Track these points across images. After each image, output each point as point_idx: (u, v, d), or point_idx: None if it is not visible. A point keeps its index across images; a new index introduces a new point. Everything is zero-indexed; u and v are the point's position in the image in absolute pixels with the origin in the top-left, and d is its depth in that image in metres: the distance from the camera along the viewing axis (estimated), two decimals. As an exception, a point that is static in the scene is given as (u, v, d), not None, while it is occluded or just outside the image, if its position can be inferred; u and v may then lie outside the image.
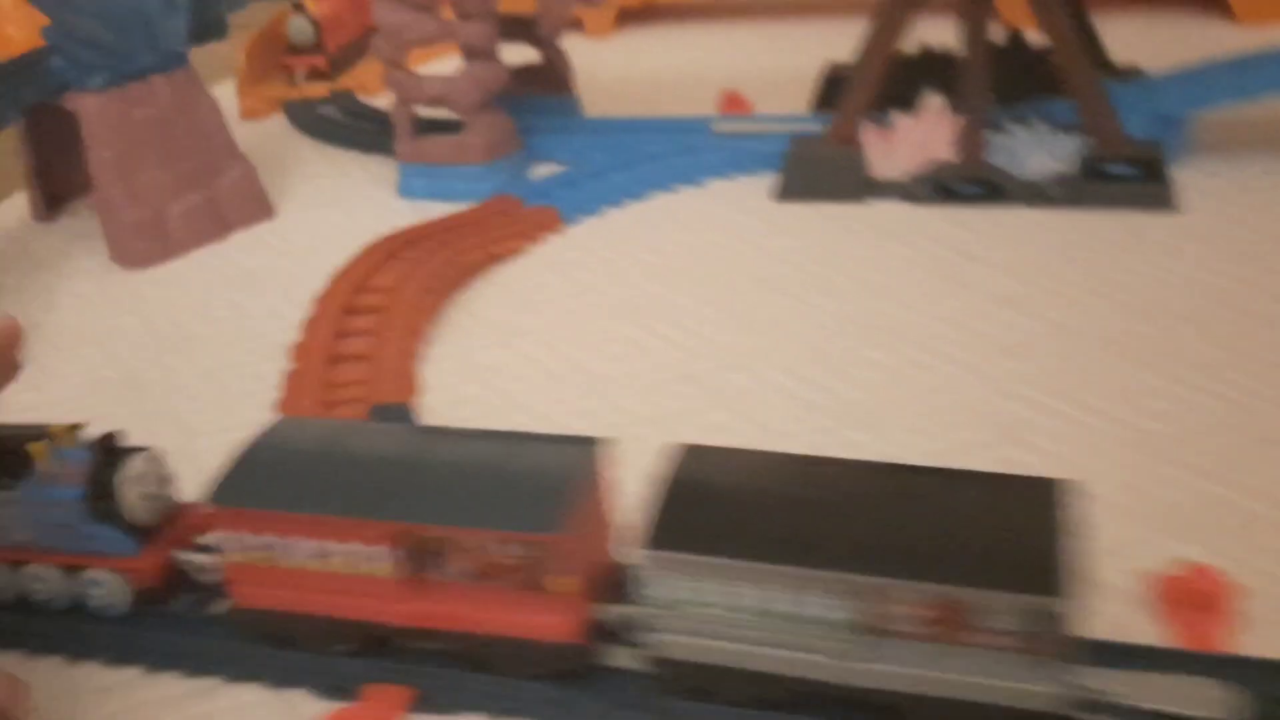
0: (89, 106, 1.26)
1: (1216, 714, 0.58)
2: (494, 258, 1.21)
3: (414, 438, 0.69)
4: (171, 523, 0.73)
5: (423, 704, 0.66)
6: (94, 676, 0.72)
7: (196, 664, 0.71)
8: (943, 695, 0.58)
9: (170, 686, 0.71)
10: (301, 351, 1.02)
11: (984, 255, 1.15)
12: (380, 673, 0.67)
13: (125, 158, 1.29)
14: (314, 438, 0.70)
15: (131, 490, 0.70)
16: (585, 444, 0.65)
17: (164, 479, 0.73)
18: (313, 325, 1.06)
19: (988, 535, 0.57)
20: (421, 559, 0.65)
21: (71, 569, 0.72)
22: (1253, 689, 0.59)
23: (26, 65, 1.30)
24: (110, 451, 0.71)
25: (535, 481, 0.63)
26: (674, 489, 0.61)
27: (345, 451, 0.68)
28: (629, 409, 0.95)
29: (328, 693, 0.68)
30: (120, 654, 0.72)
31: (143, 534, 0.71)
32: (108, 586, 0.71)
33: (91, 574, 0.71)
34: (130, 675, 0.72)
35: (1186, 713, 0.58)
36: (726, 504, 0.61)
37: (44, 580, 0.72)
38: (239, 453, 0.68)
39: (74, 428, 0.72)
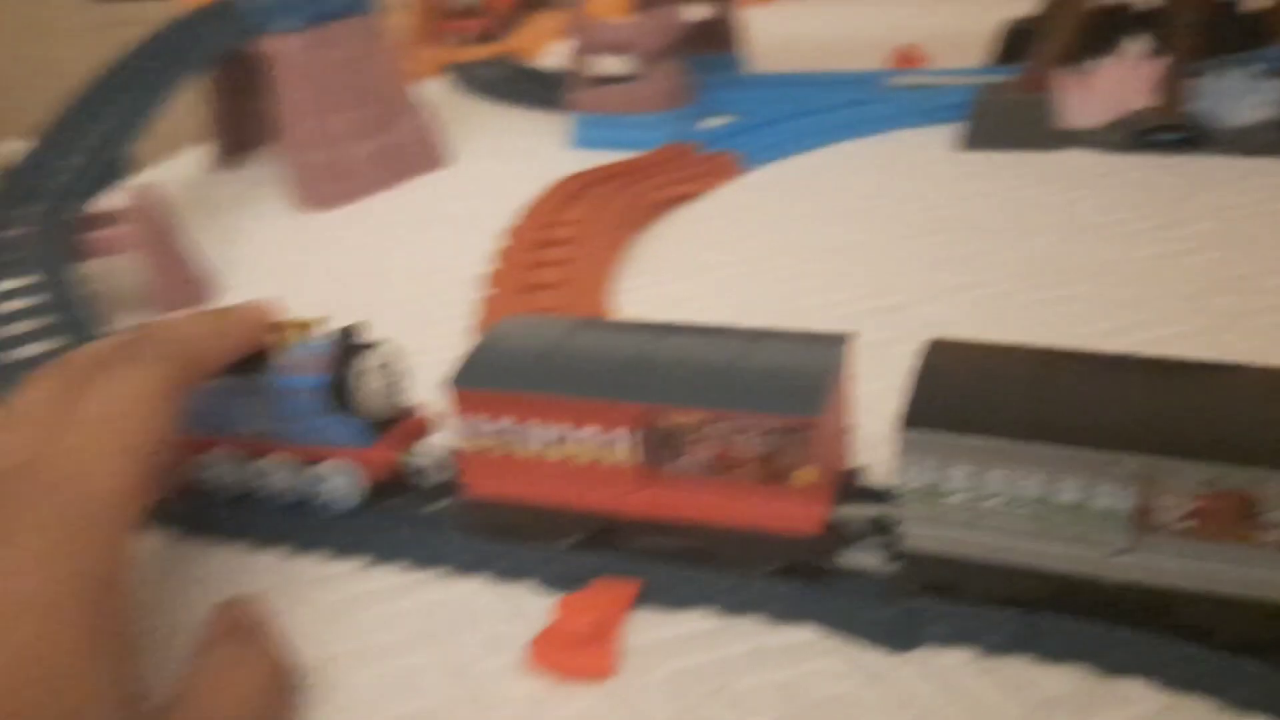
0: (288, 47, 1.29)
1: None
2: (679, 198, 1.20)
3: (655, 330, 0.68)
4: (401, 422, 0.74)
5: (650, 598, 0.65)
6: (318, 568, 0.73)
7: (420, 557, 0.71)
8: (1218, 593, 0.54)
9: (393, 578, 0.71)
10: (498, 279, 1.03)
11: (1184, 203, 1.11)
12: (607, 565, 0.66)
13: (316, 100, 1.32)
14: (553, 329, 0.69)
15: (369, 382, 0.71)
16: (834, 338, 0.64)
17: (398, 374, 0.74)
18: (507, 255, 1.07)
19: (1268, 419, 0.53)
20: (659, 451, 0.64)
21: (304, 462, 0.73)
22: None
23: (220, 10, 1.34)
24: (350, 344, 0.72)
25: (788, 368, 0.61)
26: (928, 375, 0.60)
27: (586, 340, 0.67)
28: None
29: (553, 584, 0.68)
30: (346, 546, 0.73)
31: (376, 428, 0.72)
32: (339, 479, 0.72)
33: (323, 466, 0.72)
34: (353, 567, 0.73)
35: None
36: (984, 389, 0.58)
37: (276, 472, 0.74)
38: (478, 342, 0.68)
39: (313, 321, 0.73)
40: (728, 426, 0.62)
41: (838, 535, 0.64)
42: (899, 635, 0.60)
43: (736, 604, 0.64)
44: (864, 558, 0.64)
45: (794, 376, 0.61)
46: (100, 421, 0.56)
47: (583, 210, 1.13)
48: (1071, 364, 0.59)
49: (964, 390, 0.58)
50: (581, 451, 0.64)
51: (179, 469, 0.75)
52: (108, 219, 1.09)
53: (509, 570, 0.69)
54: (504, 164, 1.44)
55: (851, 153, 1.33)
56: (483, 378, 0.65)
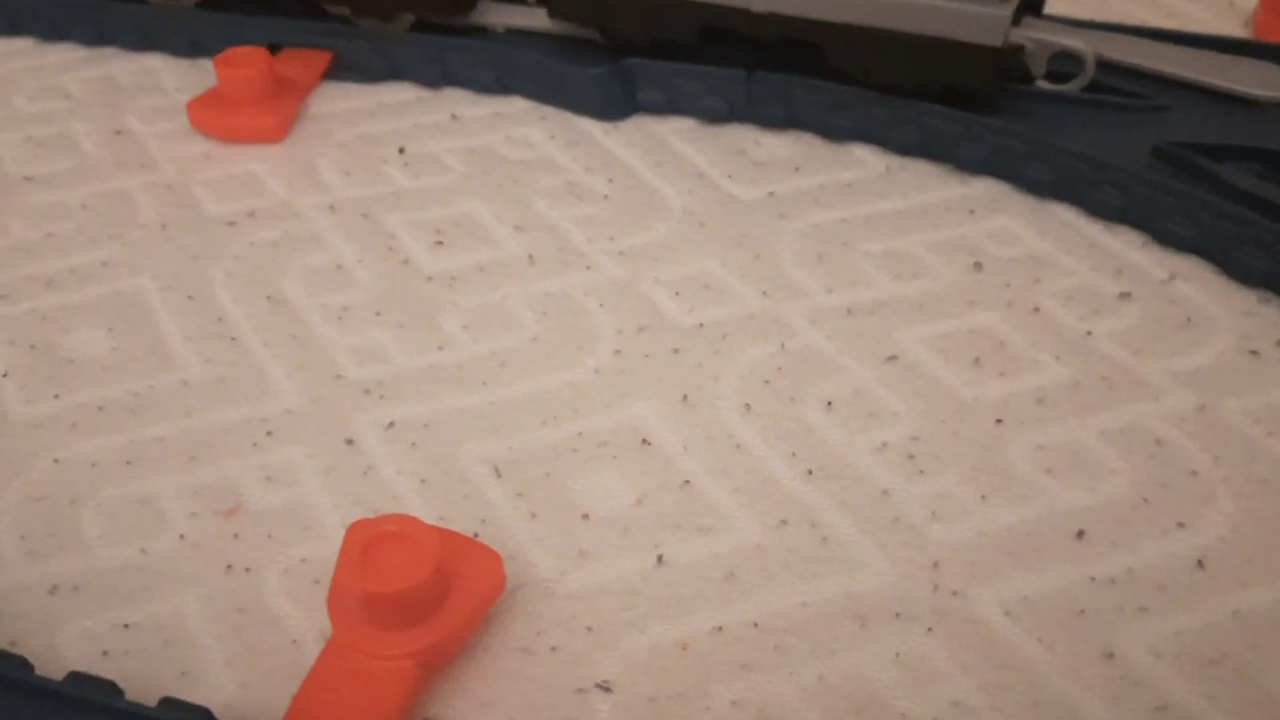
0: None
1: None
2: None
3: None
4: None
5: (340, 69, 0.60)
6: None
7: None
8: (872, 25, 0.50)
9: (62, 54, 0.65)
10: None
11: None
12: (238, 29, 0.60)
13: None
14: None
15: None
16: None
17: None
18: None
19: None
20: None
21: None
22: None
23: None
24: None
25: None
26: None
27: None
28: None
29: (190, 51, 0.62)
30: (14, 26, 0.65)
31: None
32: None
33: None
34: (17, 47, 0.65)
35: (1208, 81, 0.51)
36: None
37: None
38: None
39: None
40: None
41: None
42: (612, 104, 0.56)
43: (434, 77, 0.59)
44: (511, 16, 0.59)
45: None
46: None
47: None
48: None
49: None
50: None
51: None
52: None
53: (143, 40, 0.63)
54: None
55: None
56: None
